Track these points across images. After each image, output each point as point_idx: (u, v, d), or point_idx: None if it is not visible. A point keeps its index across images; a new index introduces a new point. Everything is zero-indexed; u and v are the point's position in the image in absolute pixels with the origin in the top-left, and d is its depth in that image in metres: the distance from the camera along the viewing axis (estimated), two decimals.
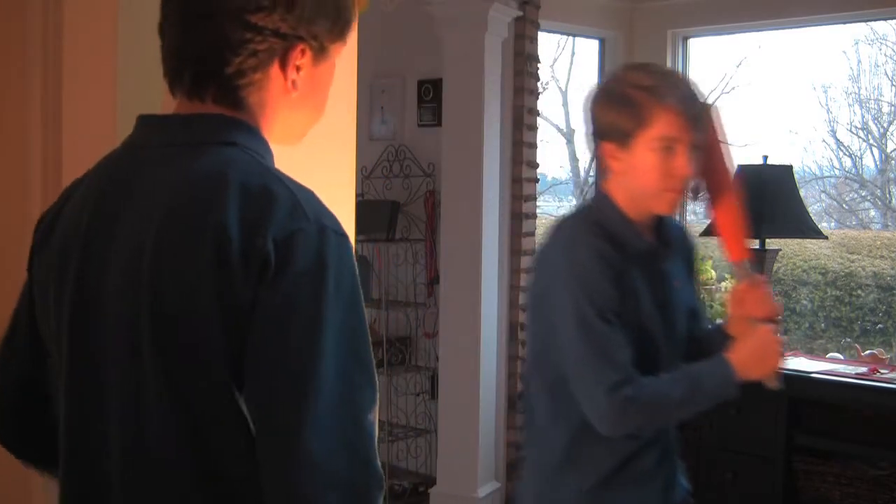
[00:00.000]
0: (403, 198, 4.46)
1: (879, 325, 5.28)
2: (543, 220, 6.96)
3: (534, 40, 4.26)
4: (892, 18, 4.67)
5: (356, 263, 0.99)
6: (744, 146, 7.60)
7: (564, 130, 9.13)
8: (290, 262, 0.93)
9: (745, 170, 4.03)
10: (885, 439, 3.30)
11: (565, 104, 8.91)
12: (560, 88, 8.73)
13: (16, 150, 2.27)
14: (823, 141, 7.85)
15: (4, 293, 1.29)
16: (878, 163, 8.04)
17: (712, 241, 5.55)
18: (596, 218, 1.76)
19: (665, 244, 1.81)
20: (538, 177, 4.44)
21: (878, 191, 7.83)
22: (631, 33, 4.95)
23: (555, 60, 8.27)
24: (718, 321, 1.94)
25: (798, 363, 3.54)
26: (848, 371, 3.43)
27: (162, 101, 1.47)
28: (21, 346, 1.16)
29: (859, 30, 5.62)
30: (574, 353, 1.67)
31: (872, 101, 8.08)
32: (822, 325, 5.37)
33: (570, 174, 9.34)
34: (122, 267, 0.99)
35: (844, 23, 4.67)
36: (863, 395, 3.28)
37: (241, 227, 0.93)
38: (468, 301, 4.06)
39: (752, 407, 3.39)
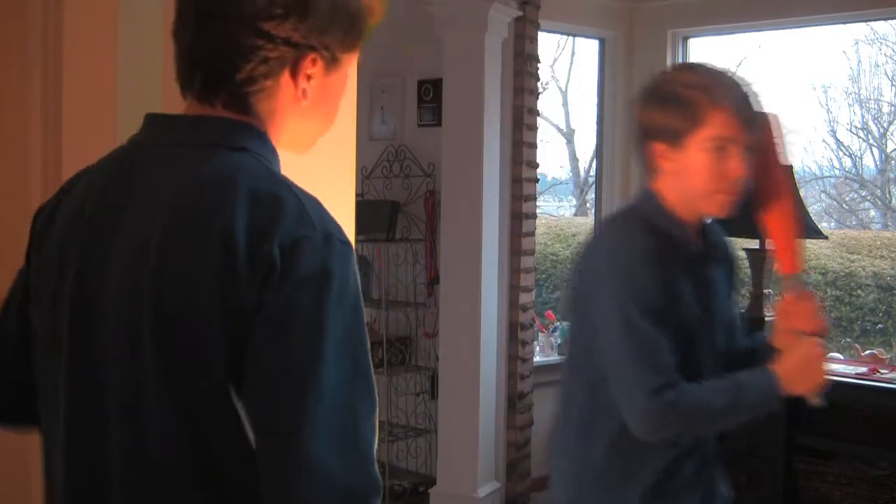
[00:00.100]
0: (403, 198, 4.46)
1: (879, 325, 5.28)
2: (543, 220, 6.97)
3: (534, 40, 4.26)
4: (892, 18, 4.67)
5: (359, 273, 1.00)
6: None
7: (564, 130, 9.13)
8: (294, 268, 0.93)
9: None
10: (885, 439, 3.30)
11: (565, 104, 8.93)
12: (560, 88, 8.74)
13: (16, 150, 2.28)
14: (823, 141, 7.86)
15: (5, 291, 1.29)
16: (878, 163, 8.04)
17: None
18: (646, 217, 1.71)
19: (710, 251, 1.77)
20: (538, 177, 4.44)
21: (878, 191, 7.83)
22: (631, 33, 4.96)
23: (555, 60, 8.29)
24: (763, 333, 1.89)
25: None
26: (848, 371, 3.43)
27: (162, 100, 1.48)
28: (7, 330, 1.17)
29: (859, 30, 5.63)
30: (617, 353, 1.62)
31: (872, 101, 8.08)
32: None
33: (570, 174, 9.34)
34: (125, 265, 0.99)
35: (844, 23, 4.67)
36: (863, 395, 3.28)
37: (249, 232, 0.93)
38: (468, 301, 4.06)
39: None
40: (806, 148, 7.59)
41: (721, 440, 1.84)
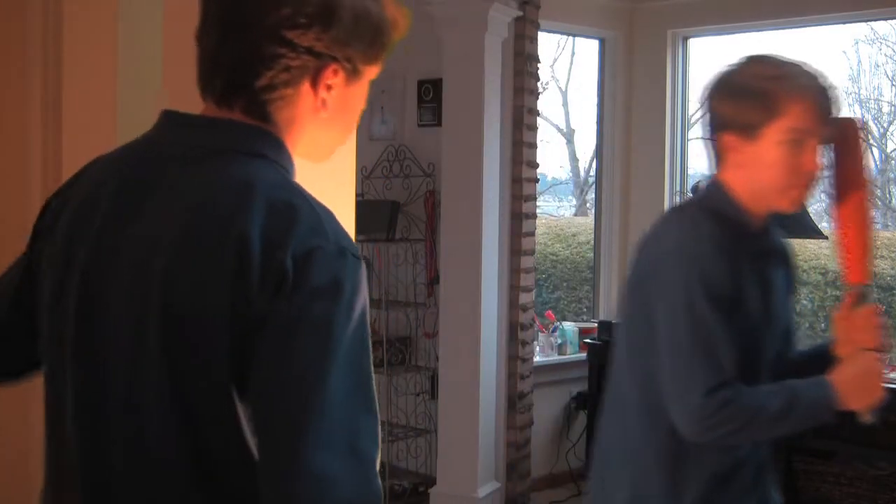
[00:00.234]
0: (403, 198, 4.46)
1: None
2: (543, 220, 6.97)
3: (534, 40, 4.26)
4: (892, 18, 4.67)
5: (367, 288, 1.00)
6: None
7: (564, 130, 9.14)
8: (307, 279, 0.93)
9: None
10: (885, 439, 3.30)
11: (565, 104, 8.93)
12: (560, 88, 8.75)
13: (16, 150, 2.28)
14: None
15: None
16: (878, 163, 8.04)
17: None
18: (713, 206, 1.64)
19: (773, 250, 1.70)
20: (538, 177, 4.44)
21: (879, 191, 7.83)
22: (631, 33, 4.96)
23: (555, 60, 8.29)
24: (823, 341, 1.79)
25: None
26: None
27: (161, 100, 1.48)
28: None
29: (859, 30, 5.63)
30: (674, 343, 1.54)
31: (872, 101, 8.09)
32: (822, 325, 5.37)
33: (570, 174, 9.34)
34: (133, 262, 0.99)
35: (844, 23, 4.67)
36: None
37: (263, 240, 0.93)
38: (468, 301, 4.06)
39: None
40: None
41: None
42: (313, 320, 0.93)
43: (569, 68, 8.58)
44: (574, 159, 9.23)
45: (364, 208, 3.56)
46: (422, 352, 4.53)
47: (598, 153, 5.18)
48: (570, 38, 6.73)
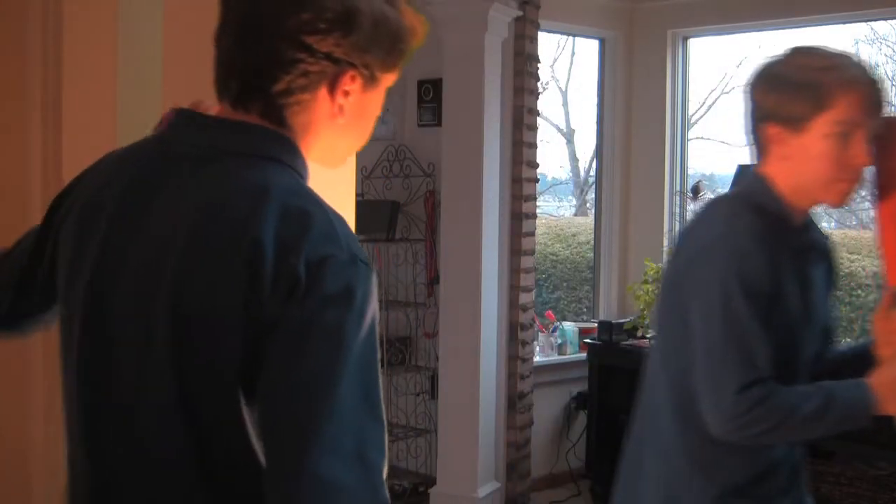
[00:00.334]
0: (403, 198, 4.46)
1: None
2: (543, 220, 6.97)
3: (534, 40, 4.26)
4: (892, 18, 4.67)
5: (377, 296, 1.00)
6: (744, 146, 7.60)
7: (564, 130, 9.13)
8: (319, 286, 0.93)
9: (745, 170, 4.04)
10: (885, 439, 3.30)
11: (565, 104, 8.92)
12: (560, 88, 8.74)
13: (16, 150, 2.28)
14: None
15: None
16: None
17: None
18: (755, 199, 1.60)
19: (814, 245, 1.66)
20: (538, 177, 4.44)
21: None
22: (631, 33, 4.96)
23: (555, 60, 8.28)
24: (865, 341, 1.73)
25: None
26: None
27: (161, 101, 1.48)
28: (9, 280, 1.20)
29: (859, 30, 5.63)
30: (708, 340, 1.51)
31: None
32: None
33: (570, 174, 9.34)
34: (142, 262, 1.00)
35: (844, 23, 4.67)
36: None
37: (277, 245, 0.94)
38: (468, 301, 4.06)
39: None
40: None
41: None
42: (325, 326, 0.93)
43: (569, 68, 8.58)
44: (574, 159, 9.22)
45: (364, 208, 3.56)
46: (422, 352, 4.53)
47: (598, 153, 5.18)
48: (570, 38, 6.73)
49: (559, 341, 4.80)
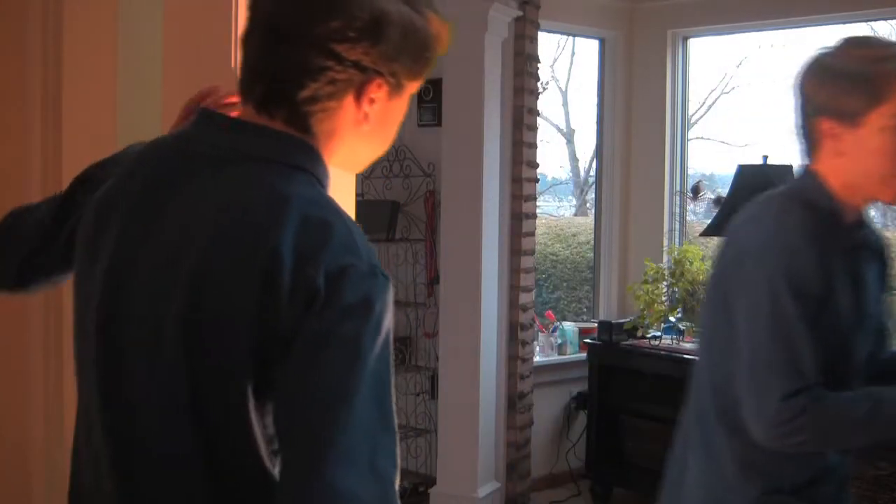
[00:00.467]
0: (403, 198, 4.46)
1: None
2: (543, 220, 6.97)
3: (534, 40, 4.26)
4: (892, 18, 4.67)
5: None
6: (744, 146, 7.60)
7: (564, 130, 9.13)
8: (339, 296, 0.94)
9: (745, 170, 4.04)
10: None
11: (565, 104, 8.92)
12: (560, 88, 8.74)
13: (16, 150, 2.28)
14: None
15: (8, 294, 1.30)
16: None
17: (712, 242, 5.54)
18: (806, 196, 1.54)
19: (867, 244, 1.60)
20: (538, 177, 4.44)
21: None
22: (631, 33, 4.96)
23: (555, 60, 8.28)
24: None
25: None
26: None
27: (161, 101, 1.48)
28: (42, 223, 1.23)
29: (859, 30, 5.62)
30: (753, 343, 1.46)
31: None
32: None
33: (570, 174, 9.34)
34: (158, 262, 1.00)
35: (844, 23, 4.66)
36: None
37: (295, 255, 0.94)
38: (468, 301, 4.06)
39: None
40: None
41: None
42: (343, 337, 0.93)
43: (569, 68, 8.58)
44: (574, 159, 9.22)
45: (364, 208, 3.56)
46: (422, 352, 4.53)
47: (598, 153, 5.18)
48: (570, 38, 6.72)
49: (559, 341, 4.80)
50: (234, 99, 1.17)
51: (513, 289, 4.24)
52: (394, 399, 0.97)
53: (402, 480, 4.13)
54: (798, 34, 4.61)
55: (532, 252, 4.34)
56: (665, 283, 4.46)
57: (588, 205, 8.35)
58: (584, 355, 4.58)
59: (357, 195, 1.84)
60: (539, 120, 4.43)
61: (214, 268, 0.96)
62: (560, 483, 4.66)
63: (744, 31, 5.02)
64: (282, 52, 1.01)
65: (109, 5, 2.00)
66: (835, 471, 1.56)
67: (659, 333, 4.33)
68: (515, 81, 4.20)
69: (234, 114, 1.08)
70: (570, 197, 9.36)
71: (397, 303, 4.45)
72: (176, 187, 1.02)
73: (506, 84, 4.17)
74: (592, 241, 5.30)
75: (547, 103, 7.91)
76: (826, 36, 4.82)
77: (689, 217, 5.17)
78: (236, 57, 1.38)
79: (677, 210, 4.90)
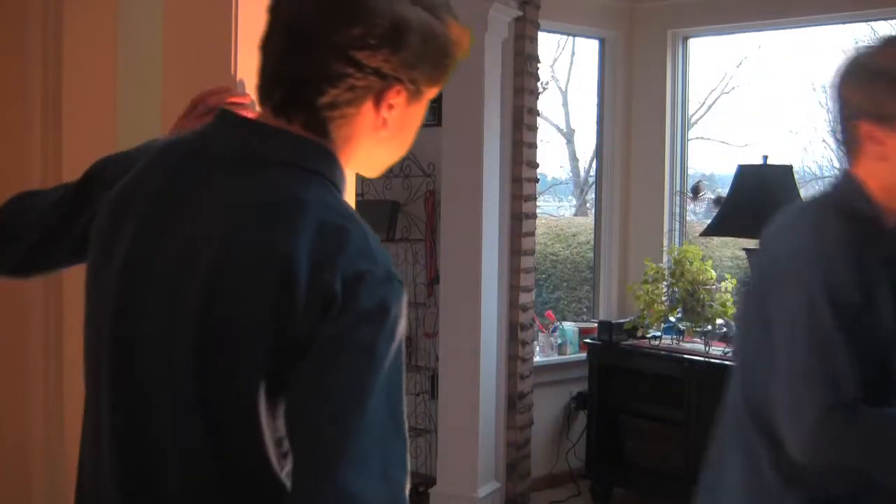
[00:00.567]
0: (403, 198, 4.46)
1: None
2: (543, 220, 6.98)
3: (534, 40, 4.26)
4: (892, 18, 4.66)
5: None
6: (744, 146, 7.60)
7: (564, 130, 9.13)
8: (355, 302, 0.94)
9: (745, 170, 4.04)
10: None
11: (565, 104, 8.92)
12: (560, 88, 8.74)
13: (16, 150, 2.28)
14: (823, 141, 7.83)
15: (8, 294, 1.30)
16: None
17: (712, 242, 5.55)
18: (845, 202, 1.49)
19: None
20: (538, 177, 4.44)
21: None
22: (631, 33, 4.96)
23: (555, 60, 8.28)
24: None
25: None
26: None
27: (161, 101, 1.48)
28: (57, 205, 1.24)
29: (859, 30, 5.61)
30: (790, 355, 1.41)
31: None
32: None
33: (570, 174, 9.34)
34: (173, 262, 0.99)
35: (844, 23, 4.67)
36: None
37: (311, 261, 0.94)
38: (468, 301, 4.06)
39: None
40: (806, 148, 7.59)
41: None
42: (358, 343, 0.94)
43: (569, 68, 8.58)
44: (574, 159, 9.22)
45: (364, 208, 3.55)
46: (422, 352, 4.53)
47: (598, 153, 5.18)
48: (570, 38, 6.72)
49: (559, 341, 4.80)
50: (240, 100, 1.17)
51: (513, 289, 4.24)
52: (405, 405, 0.98)
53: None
54: (798, 34, 4.61)
55: (532, 252, 4.34)
56: (665, 283, 4.46)
57: (588, 205, 8.35)
58: (584, 355, 4.58)
59: (357, 195, 1.84)
60: (539, 120, 4.43)
61: (230, 270, 0.96)
62: (560, 483, 4.66)
63: (744, 31, 5.02)
64: (302, 58, 1.00)
65: (109, 5, 2.00)
66: (880, 485, 1.48)
67: (659, 333, 4.33)
68: (515, 81, 4.20)
69: (249, 115, 1.08)
70: (570, 197, 9.36)
71: None
72: (193, 187, 1.02)
73: (506, 84, 4.17)
74: (592, 241, 5.30)
75: (547, 103, 7.91)
76: (826, 36, 4.81)
77: (689, 217, 5.17)
78: (236, 57, 1.38)
79: (677, 210, 4.90)
